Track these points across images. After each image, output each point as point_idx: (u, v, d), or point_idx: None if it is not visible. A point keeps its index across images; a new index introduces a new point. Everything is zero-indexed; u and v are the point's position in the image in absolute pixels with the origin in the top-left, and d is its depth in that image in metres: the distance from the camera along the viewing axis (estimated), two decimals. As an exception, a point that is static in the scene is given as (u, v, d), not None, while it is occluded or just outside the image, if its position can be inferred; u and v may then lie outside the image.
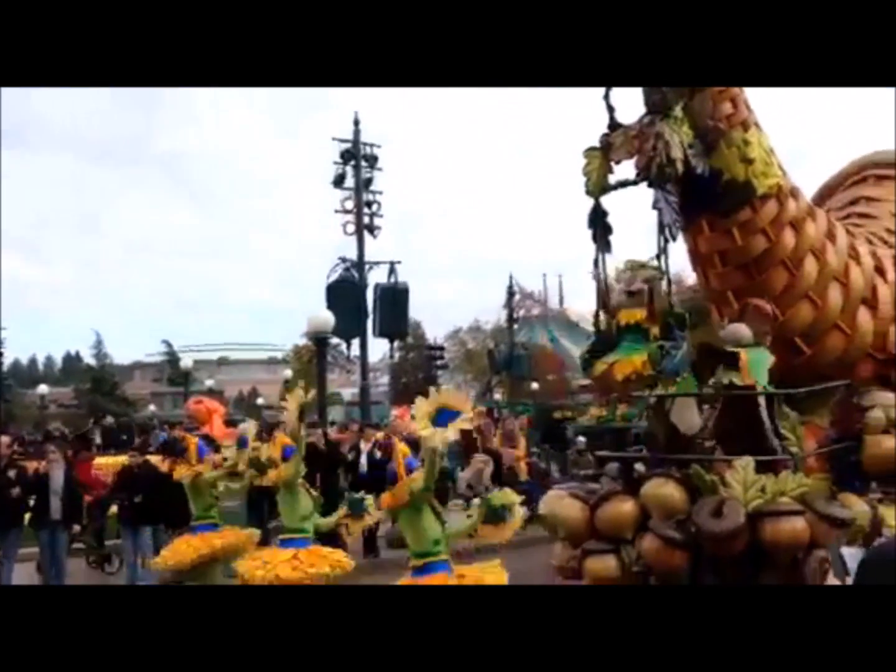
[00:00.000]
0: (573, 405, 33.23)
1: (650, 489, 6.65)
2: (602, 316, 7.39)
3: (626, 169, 7.40)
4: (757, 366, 6.90)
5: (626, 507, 6.66)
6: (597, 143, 7.28)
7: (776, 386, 7.29)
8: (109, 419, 22.85)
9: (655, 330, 7.01)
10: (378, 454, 14.41)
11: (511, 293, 41.49)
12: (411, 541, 4.55)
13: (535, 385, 37.44)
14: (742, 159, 7.49)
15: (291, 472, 6.19)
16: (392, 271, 27.42)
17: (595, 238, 7.33)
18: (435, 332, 57.71)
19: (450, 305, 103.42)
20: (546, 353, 39.18)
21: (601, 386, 7.28)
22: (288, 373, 43.48)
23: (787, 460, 6.86)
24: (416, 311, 48.75)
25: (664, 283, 6.94)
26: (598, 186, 7.22)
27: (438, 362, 42.44)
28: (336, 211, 25.81)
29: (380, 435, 17.06)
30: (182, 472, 7.89)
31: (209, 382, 40.07)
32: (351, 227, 28.18)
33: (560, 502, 7.23)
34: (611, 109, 7.30)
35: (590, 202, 7.40)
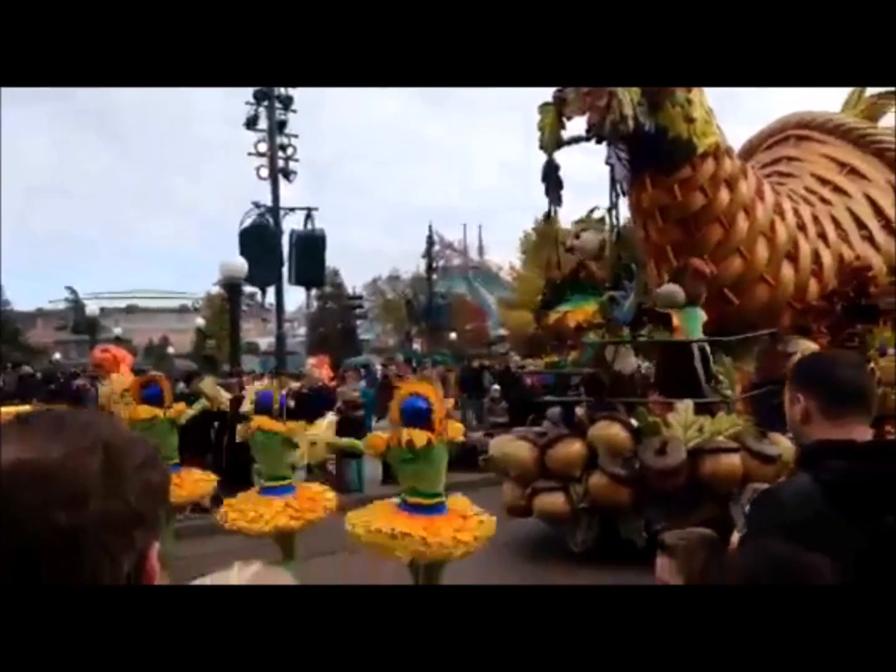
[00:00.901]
0: (491, 354, 33.94)
1: (597, 430, 7.10)
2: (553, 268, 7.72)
3: (577, 125, 7.68)
4: (692, 323, 7.40)
5: (574, 447, 7.10)
6: (550, 99, 7.51)
7: (710, 334, 7.83)
8: (26, 368, 21.91)
9: (603, 274, 7.39)
10: (292, 403, 13.76)
11: (431, 243, 41.40)
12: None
13: (453, 335, 37.93)
14: (685, 118, 7.84)
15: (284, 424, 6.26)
16: (308, 218, 26.81)
17: (548, 192, 7.61)
18: (353, 281, 57.19)
19: (368, 254, 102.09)
20: (465, 304, 39.76)
21: (554, 334, 7.62)
22: (200, 321, 42.58)
23: (721, 402, 7.43)
24: (333, 259, 48.27)
25: (614, 237, 7.30)
26: (552, 141, 7.47)
27: (357, 312, 42.39)
28: (249, 154, 24.98)
29: (295, 385, 16.62)
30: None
31: (117, 331, 38.70)
32: (265, 172, 27.31)
33: (511, 444, 7.62)
34: (563, 65, 7.51)
35: (535, 155, 7.66)
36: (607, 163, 7.14)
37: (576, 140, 7.45)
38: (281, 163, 28.30)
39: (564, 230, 7.75)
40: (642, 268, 8.65)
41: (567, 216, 8.19)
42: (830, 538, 1.50)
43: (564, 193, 7.57)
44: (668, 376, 7.31)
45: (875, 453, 1.78)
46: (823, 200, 10.28)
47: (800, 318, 9.22)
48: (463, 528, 4.51)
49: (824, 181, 10.71)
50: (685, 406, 6.97)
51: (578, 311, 7.24)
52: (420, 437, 4.48)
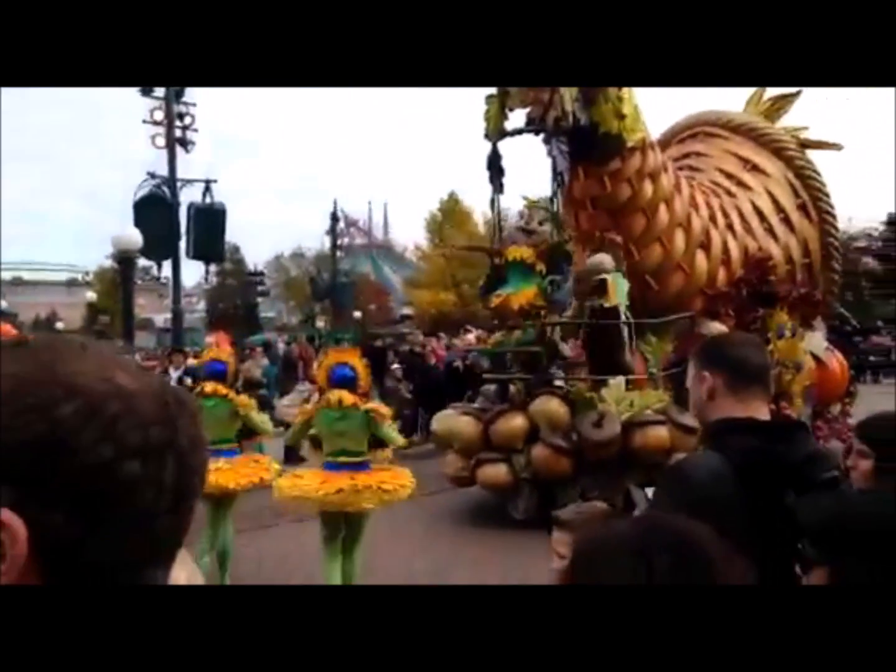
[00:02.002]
0: (395, 333, 34.26)
1: (538, 405, 7.60)
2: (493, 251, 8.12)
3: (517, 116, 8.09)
4: (620, 287, 8.00)
5: (517, 421, 7.58)
6: (494, 91, 7.87)
7: (634, 316, 8.46)
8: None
9: (541, 265, 7.86)
10: (189, 381, 12.67)
11: (335, 220, 41.08)
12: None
13: (358, 314, 37.97)
14: (616, 114, 8.38)
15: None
16: (207, 190, 25.97)
17: (491, 179, 7.99)
18: (255, 257, 55.86)
19: (270, 230, 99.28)
20: (369, 282, 39.86)
21: (499, 315, 8.04)
22: (91, 295, 40.88)
23: (648, 378, 8.07)
24: (234, 234, 47.21)
25: (553, 223, 7.77)
26: (496, 131, 7.85)
27: (258, 289, 41.69)
28: (144, 121, 23.92)
29: (192, 361, 15.97)
30: None
31: (2, 304, 36.74)
32: (161, 141, 26.21)
33: (455, 419, 8.03)
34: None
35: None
36: (549, 155, 7.59)
37: (518, 132, 7.86)
38: (178, 132, 27.37)
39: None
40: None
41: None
42: (742, 516, 1.58)
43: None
44: (596, 347, 7.85)
45: (776, 431, 1.85)
46: (729, 194, 11.13)
47: (710, 303, 10.01)
48: (386, 479, 5.04)
49: (729, 176, 11.57)
50: (617, 382, 7.56)
51: (520, 295, 7.69)
52: (347, 396, 4.95)
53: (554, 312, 7.84)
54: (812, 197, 12.09)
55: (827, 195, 12.34)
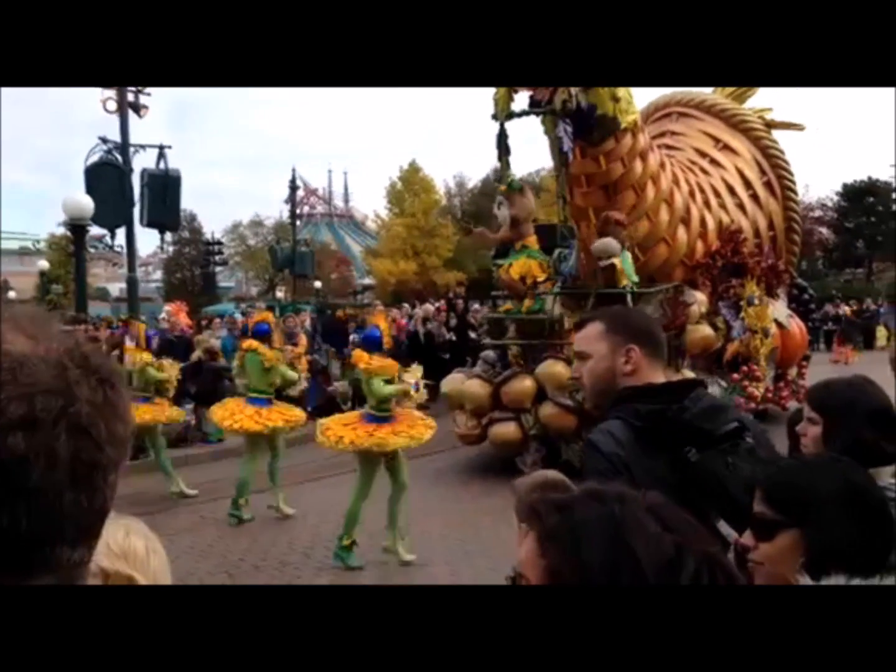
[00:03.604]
0: (356, 304, 34.51)
1: (544, 368, 8.26)
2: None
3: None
4: (627, 266, 8.68)
5: (526, 383, 8.23)
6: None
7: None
8: None
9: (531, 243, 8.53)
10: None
11: (294, 188, 40.63)
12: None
13: (318, 283, 37.99)
14: (612, 97, 8.97)
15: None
16: (161, 156, 25.51)
17: (500, 157, 8.54)
18: (212, 226, 54.93)
19: (228, 197, 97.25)
20: (330, 252, 39.94)
21: (506, 285, 8.63)
22: (43, 264, 40.03)
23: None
24: (190, 201, 46.49)
25: (560, 202, 8.38)
26: (505, 112, 8.38)
27: (217, 258, 41.32)
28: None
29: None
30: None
31: (-50, 274, 35.78)
32: (112, 105, 25.63)
33: (466, 382, 8.65)
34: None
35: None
36: (556, 135, 8.15)
37: (526, 113, 8.40)
38: (130, 96, 26.91)
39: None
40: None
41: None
42: (644, 475, 1.62)
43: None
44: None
45: (672, 391, 1.89)
46: (704, 171, 11.87)
47: (689, 273, 10.78)
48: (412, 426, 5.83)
49: (703, 154, 12.31)
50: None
51: (520, 265, 8.30)
52: (361, 357, 5.71)
53: (560, 283, 8.47)
54: (776, 175, 12.93)
55: (790, 173, 13.20)
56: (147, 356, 8.53)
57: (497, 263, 8.51)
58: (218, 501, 8.18)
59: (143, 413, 7.87)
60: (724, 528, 1.67)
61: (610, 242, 8.67)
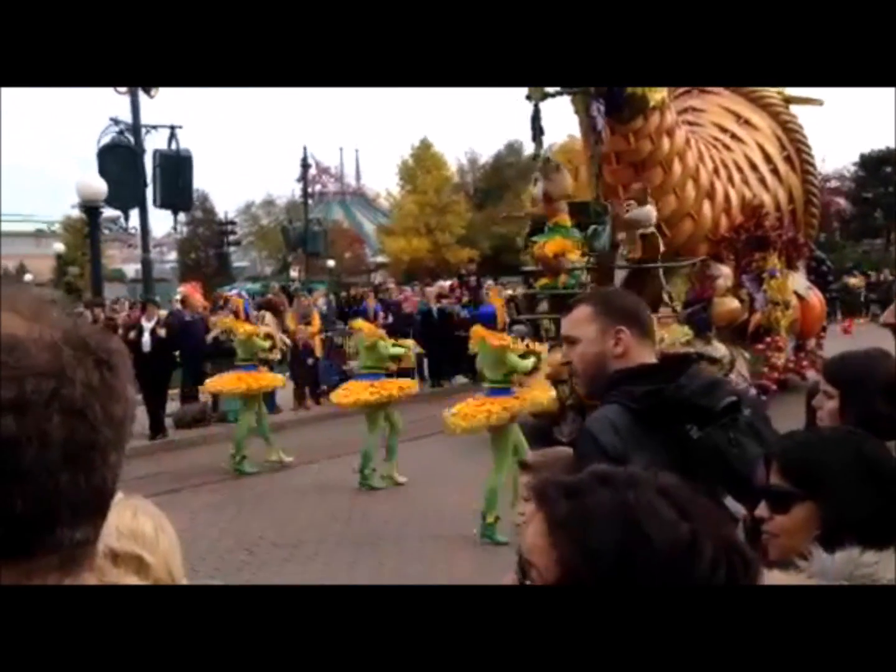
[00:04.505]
0: (370, 283, 34.66)
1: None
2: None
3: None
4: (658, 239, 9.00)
5: (559, 355, 8.56)
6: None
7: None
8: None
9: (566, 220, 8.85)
10: (163, 332, 11.75)
11: (306, 167, 40.69)
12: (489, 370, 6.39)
13: (331, 262, 38.15)
14: (640, 77, 9.21)
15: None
16: (173, 137, 25.52)
17: (534, 137, 8.82)
18: (225, 205, 54.83)
19: (240, 177, 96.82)
20: (343, 230, 40.14)
21: (538, 260, 8.94)
22: (59, 246, 40.36)
23: (672, 315, 9.12)
24: (202, 181, 46.56)
25: (595, 178, 8.66)
26: (540, 92, 8.65)
27: (230, 238, 41.54)
28: None
29: (163, 313, 15.61)
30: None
31: (-33, 258, 36.13)
32: (123, 87, 25.46)
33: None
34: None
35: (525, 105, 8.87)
36: (590, 115, 8.43)
37: (560, 93, 8.67)
38: None
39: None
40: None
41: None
42: (642, 456, 1.60)
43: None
44: (637, 292, 8.89)
45: (666, 371, 1.87)
46: (726, 147, 12.10)
47: (713, 248, 11.07)
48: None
49: (724, 130, 12.54)
50: (649, 320, 8.58)
51: (552, 243, 8.60)
52: (491, 334, 6.05)
53: (596, 258, 8.78)
54: (796, 149, 13.16)
55: (808, 147, 13.43)
56: (250, 327, 9.04)
57: (532, 240, 8.82)
58: (239, 479, 8.52)
59: (251, 380, 8.64)
60: (730, 503, 1.68)
61: (650, 211, 8.94)
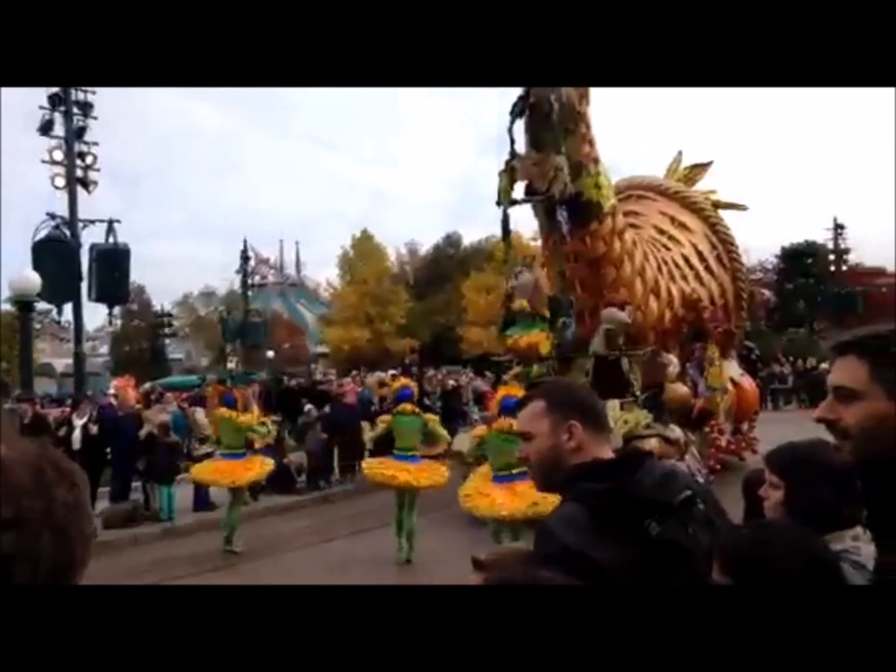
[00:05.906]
0: (309, 372, 34.64)
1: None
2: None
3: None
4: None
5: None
6: (503, 167, 9.63)
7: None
8: None
9: (543, 313, 9.63)
10: (95, 429, 11.66)
11: (245, 258, 40.76)
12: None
13: (271, 353, 38.04)
14: (595, 185, 10.28)
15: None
16: (111, 231, 25.53)
17: (504, 238, 9.69)
18: (162, 297, 54.32)
19: (178, 268, 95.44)
20: (282, 321, 40.42)
21: (513, 352, 9.67)
22: (-15, 338, 39.10)
23: (633, 400, 9.91)
24: (139, 274, 46.27)
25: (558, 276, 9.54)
26: (508, 199, 9.56)
27: (167, 330, 41.20)
28: (43, 161, 23.46)
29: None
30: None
31: None
32: (61, 181, 25.63)
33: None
34: (512, 141, 9.68)
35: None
36: (556, 219, 9.36)
37: (526, 201, 9.61)
38: (79, 172, 27.02)
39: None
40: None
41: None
42: (606, 557, 1.59)
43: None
44: (604, 380, 9.68)
45: (623, 466, 1.82)
46: (665, 247, 13.31)
47: (659, 338, 12.04)
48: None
49: (662, 232, 13.78)
50: (612, 404, 9.33)
51: (530, 336, 9.38)
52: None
53: (563, 350, 9.58)
54: (725, 248, 14.53)
55: (736, 246, 14.84)
56: (245, 417, 9.43)
57: (507, 334, 9.58)
58: (169, 582, 7.78)
59: (245, 469, 9.08)
60: None
61: (617, 312, 9.83)
